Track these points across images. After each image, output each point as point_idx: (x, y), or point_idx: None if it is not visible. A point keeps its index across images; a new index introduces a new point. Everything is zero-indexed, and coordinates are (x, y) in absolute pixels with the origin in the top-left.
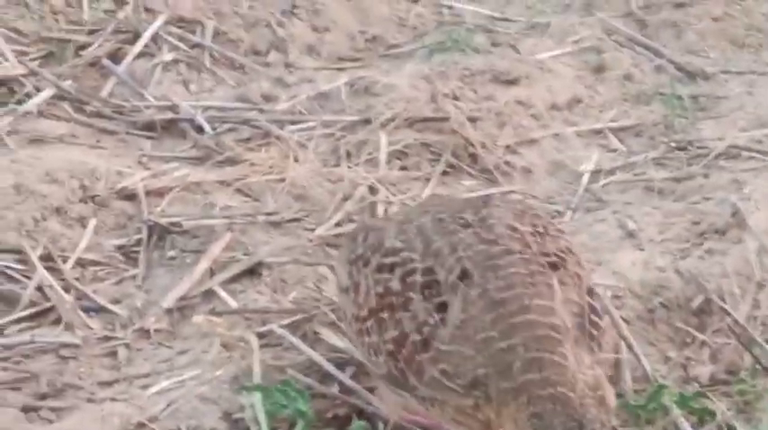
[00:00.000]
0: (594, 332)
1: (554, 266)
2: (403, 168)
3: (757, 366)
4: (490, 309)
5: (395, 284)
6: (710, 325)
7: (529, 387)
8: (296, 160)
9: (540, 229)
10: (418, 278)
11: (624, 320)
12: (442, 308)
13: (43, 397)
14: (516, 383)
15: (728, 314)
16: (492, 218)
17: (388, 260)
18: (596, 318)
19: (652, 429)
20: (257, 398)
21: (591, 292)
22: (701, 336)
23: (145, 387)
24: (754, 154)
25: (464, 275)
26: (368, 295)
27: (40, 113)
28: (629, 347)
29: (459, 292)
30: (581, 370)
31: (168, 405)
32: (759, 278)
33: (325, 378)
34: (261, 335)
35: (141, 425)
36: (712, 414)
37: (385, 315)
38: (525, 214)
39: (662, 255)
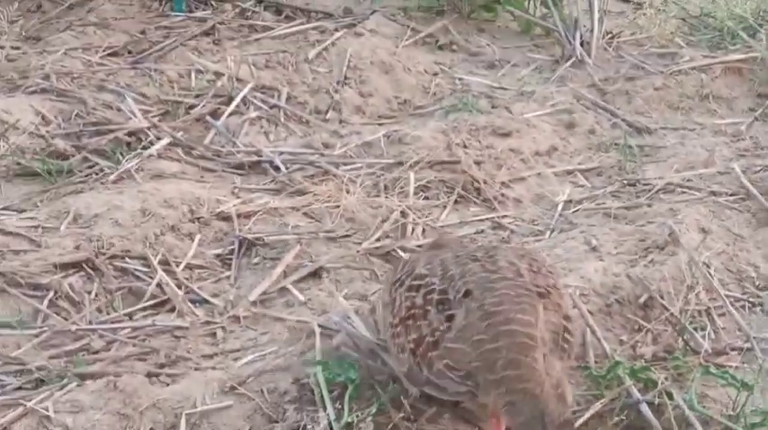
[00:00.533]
0: (565, 346)
1: (541, 295)
2: (426, 198)
3: (687, 347)
4: (484, 317)
5: (418, 300)
6: (653, 316)
7: (506, 381)
8: (347, 192)
9: (536, 268)
10: (435, 296)
11: (589, 312)
12: (450, 318)
13: (162, 366)
14: (497, 376)
15: (666, 308)
16: (497, 255)
17: (416, 282)
18: (568, 336)
19: (610, 393)
20: (319, 368)
21: (567, 318)
22: (646, 325)
23: (236, 359)
24: (685, 189)
25: (467, 294)
26: (400, 308)
27: (160, 156)
28: (593, 332)
29: (463, 305)
30: (549, 372)
31: (253, 372)
32: (689, 282)
33: (370, 353)
34: (321, 321)
35: (233, 387)
36: (654, 383)
37: (410, 322)
38: (525, 256)
39: (617, 264)
